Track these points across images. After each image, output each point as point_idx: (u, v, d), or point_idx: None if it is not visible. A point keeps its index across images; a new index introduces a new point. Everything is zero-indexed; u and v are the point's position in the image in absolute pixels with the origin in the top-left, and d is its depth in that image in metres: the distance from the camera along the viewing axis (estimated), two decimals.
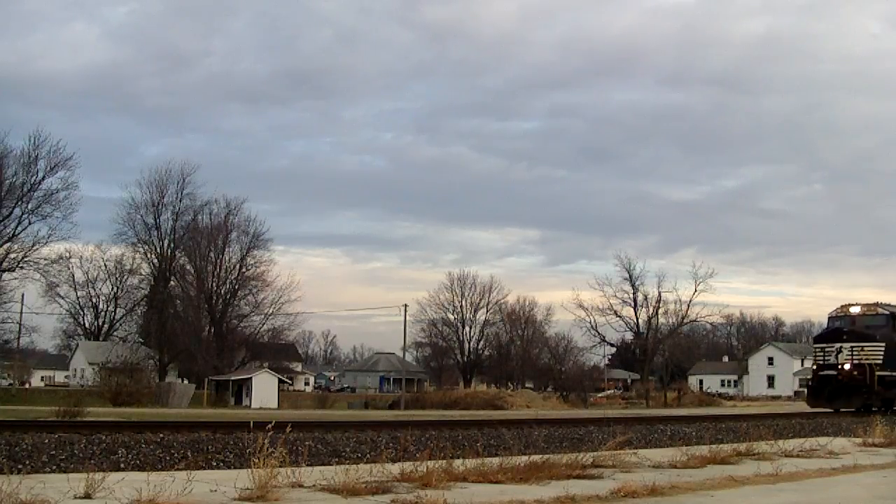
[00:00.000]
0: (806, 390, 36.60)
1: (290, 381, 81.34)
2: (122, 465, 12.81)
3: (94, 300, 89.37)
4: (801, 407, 37.72)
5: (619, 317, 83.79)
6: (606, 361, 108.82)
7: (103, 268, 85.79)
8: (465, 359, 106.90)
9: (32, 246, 65.51)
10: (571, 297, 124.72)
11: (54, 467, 12.38)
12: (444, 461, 10.37)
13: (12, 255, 64.92)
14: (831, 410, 31.25)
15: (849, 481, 11.51)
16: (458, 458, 10.93)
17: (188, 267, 78.63)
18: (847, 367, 31.79)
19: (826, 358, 32.84)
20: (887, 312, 33.14)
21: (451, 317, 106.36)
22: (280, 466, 8.85)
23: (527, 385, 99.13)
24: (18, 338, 74.62)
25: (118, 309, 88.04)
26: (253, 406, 56.15)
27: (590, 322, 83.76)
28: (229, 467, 13.00)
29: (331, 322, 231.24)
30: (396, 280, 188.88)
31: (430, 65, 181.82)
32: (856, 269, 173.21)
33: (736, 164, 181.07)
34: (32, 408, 34.68)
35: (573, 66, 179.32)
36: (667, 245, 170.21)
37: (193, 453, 13.89)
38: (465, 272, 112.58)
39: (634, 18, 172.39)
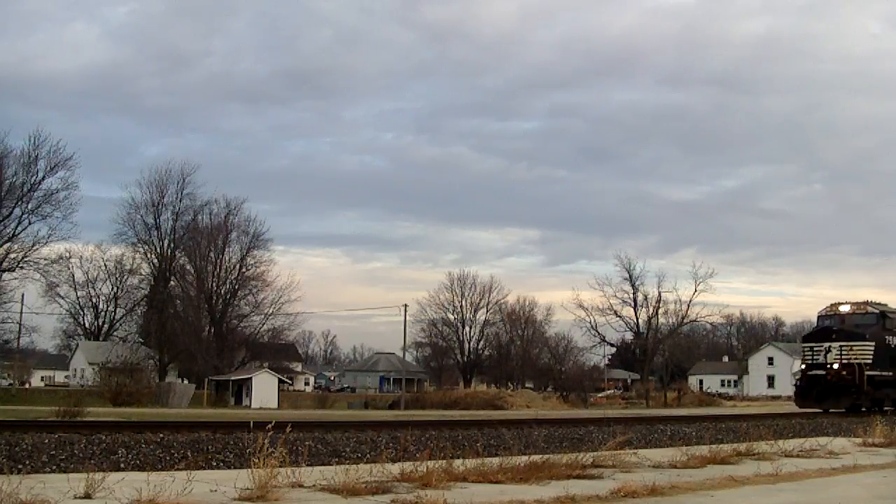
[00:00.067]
0: (794, 390, 36.19)
1: (290, 382, 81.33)
2: (122, 465, 12.81)
3: (94, 300, 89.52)
4: None
5: (619, 317, 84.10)
6: (606, 361, 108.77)
7: (103, 268, 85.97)
8: (465, 359, 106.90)
9: (32, 246, 65.66)
10: (571, 297, 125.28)
11: (54, 467, 12.38)
12: (444, 461, 10.37)
13: (12, 255, 65.02)
14: (820, 410, 30.78)
15: (849, 481, 11.51)
16: (458, 458, 10.92)
17: (188, 267, 78.69)
18: (836, 366, 31.42)
19: (815, 357, 32.41)
20: (877, 311, 32.85)
21: (451, 317, 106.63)
22: (280, 466, 8.85)
23: (527, 385, 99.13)
24: (18, 338, 74.82)
25: (118, 309, 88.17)
26: (253, 406, 56.13)
27: (590, 322, 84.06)
28: (229, 467, 13.00)
29: (331, 322, 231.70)
30: (396, 280, 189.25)
31: (430, 65, 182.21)
32: (856, 269, 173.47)
33: (736, 164, 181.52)
34: (32, 408, 34.67)
35: (573, 66, 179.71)
36: (667, 245, 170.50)
37: (193, 453, 13.88)
38: (465, 272, 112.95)
39: (634, 18, 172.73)
